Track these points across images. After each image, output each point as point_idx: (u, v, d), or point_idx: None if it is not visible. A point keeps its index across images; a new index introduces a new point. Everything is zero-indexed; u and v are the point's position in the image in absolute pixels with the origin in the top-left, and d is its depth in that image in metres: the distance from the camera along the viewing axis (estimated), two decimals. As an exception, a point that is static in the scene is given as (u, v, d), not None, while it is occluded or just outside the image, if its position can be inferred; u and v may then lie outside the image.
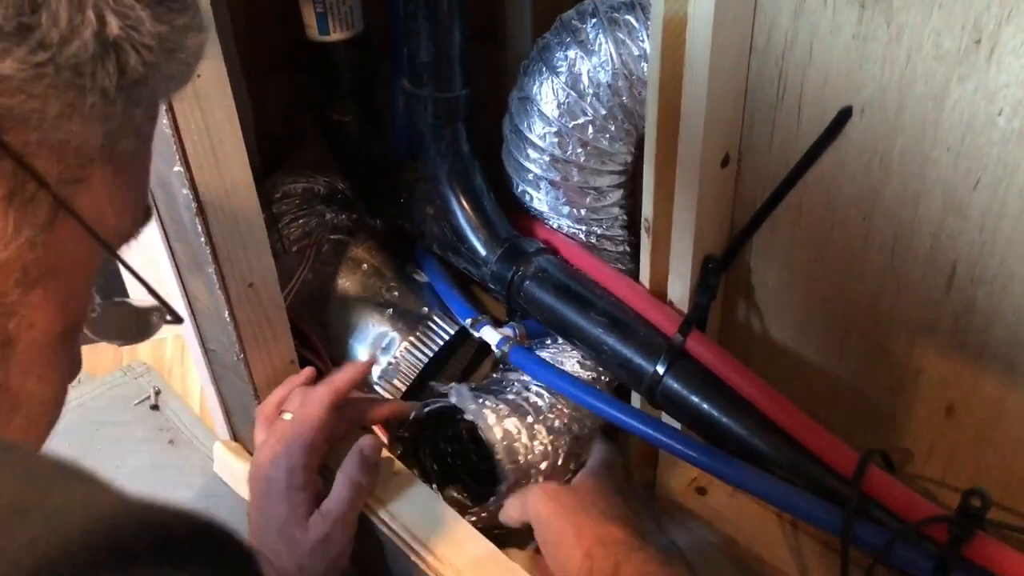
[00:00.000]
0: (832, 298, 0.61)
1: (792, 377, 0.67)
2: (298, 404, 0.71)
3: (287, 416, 0.71)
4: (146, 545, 0.26)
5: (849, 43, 0.52)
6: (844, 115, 0.54)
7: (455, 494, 0.79)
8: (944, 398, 0.58)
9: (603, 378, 0.79)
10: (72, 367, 0.38)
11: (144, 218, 0.41)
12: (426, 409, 0.77)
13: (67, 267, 0.36)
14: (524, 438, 0.73)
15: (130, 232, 0.40)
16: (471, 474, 0.79)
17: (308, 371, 0.77)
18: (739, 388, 0.62)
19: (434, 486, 0.76)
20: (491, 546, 0.66)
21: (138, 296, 0.49)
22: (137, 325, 0.50)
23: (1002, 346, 0.53)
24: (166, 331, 1.14)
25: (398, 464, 0.74)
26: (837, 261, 0.60)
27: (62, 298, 0.36)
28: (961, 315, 0.54)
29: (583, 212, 0.76)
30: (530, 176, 0.75)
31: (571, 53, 0.69)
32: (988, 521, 0.51)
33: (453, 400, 0.74)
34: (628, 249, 0.79)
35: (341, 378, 0.73)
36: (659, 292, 0.68)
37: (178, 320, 0.47)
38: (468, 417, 0.74)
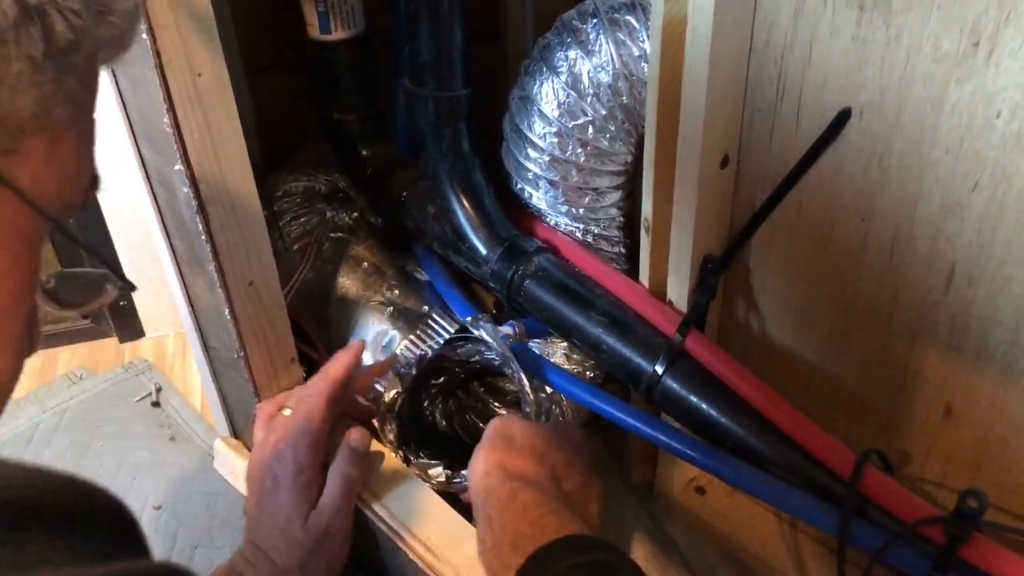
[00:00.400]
0: (831, 299, 0.62)
1: (790, 377, 0.67)
2: (296, 400, 0.72)
3: (287, 412, 0.71)
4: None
5: (848, 45, 0.52)
6: (843, 116, 0.54)
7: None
8: (942, 399, 0.58)
9: (588, 373, 0.80)
10: (26, 342, 0.38)
11: (92, 187, 0.41)
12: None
13: (9, 237, 0.36)
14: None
15: (76, 202, 0.39)
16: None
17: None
18: (737, 388, 0.62)
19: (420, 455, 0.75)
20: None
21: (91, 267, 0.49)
22: (91, 294, 0.49)
23: (1000, 348, 0.54)
24: (168, 328, 1.14)
25: (391, 456, 0.74)
26: (836, 262, 0.60)
27: (6, 268, 0.36)
28: (959, 316, 0.54)
29: (581, 211, 0.76)
30: (529, 175, 0.76)
31: (572, 53, 0.69)
32: (985, 522, 0.51)
33: (484, 336, 0.73)
34: (623, 251, 0.79)
35: (335, 367, 0.73)
36: (658, 292, 0.68)
37: (130, 287, 0.47)
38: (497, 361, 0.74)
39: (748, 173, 0.62)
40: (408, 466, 0.74)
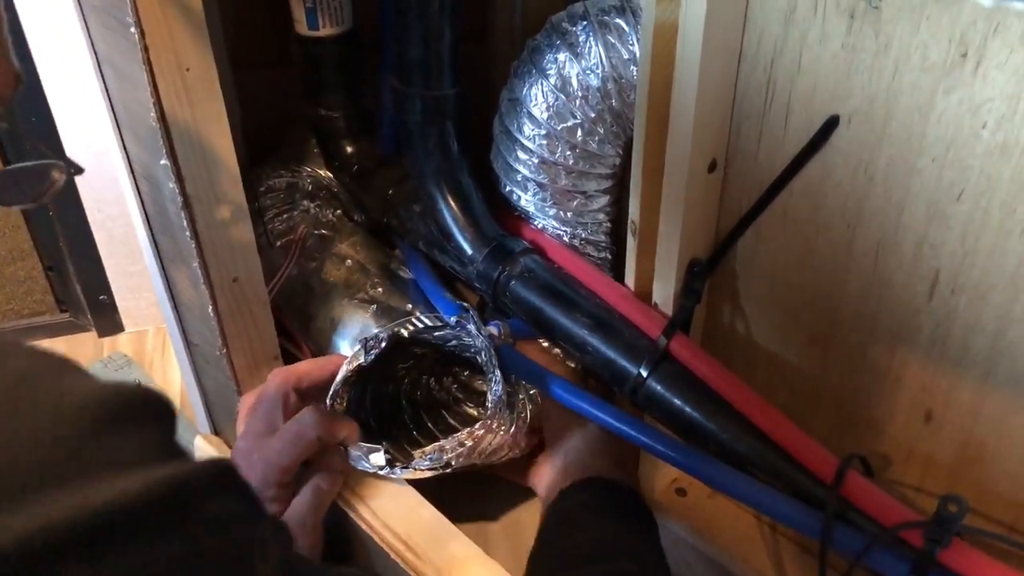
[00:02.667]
0: (815, 304, 0.62)
1: (774, 381, 0.67)
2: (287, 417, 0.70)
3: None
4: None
5: (838, 53, 0.52)
6: (831, 124, 0.55)
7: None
8: (923, 405, 0.59)
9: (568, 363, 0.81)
10: None
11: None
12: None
13: None
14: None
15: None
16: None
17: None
18: (721, 391, 0.62)
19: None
20: (474, 546, 0.66)
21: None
22: (39, 185, 0.49)
23: (981, 355, 0.54)
24: (148, 323, 1.14)
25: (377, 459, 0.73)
26: (821, 267, 0.60)
27: None
28: (942, 323, 0.55)
29: (569, 215, 0.76)
30: (518, 177, 0.76)
31: (561, 56, 0.69)
32: (964, 527, 0.52)
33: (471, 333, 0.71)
34: (609, 256, 0.79)
35: (337, 426, 0.70)
36: (644, 294, 0.69)
37: (77, 170, 0.48)
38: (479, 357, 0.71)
39: (735, 178, 0.63)
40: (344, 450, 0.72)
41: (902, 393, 0.60)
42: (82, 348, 1.12)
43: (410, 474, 0.71)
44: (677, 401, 0.64)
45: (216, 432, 0.89)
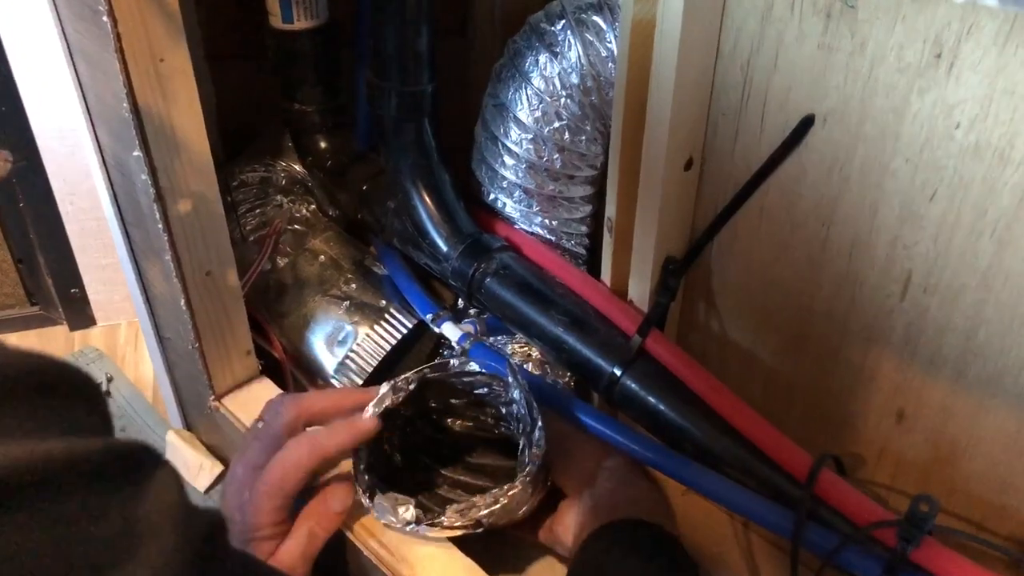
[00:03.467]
0: (789, 303, 0.62)
1: (748, 379, 0.68)
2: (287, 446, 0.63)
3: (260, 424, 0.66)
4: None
5: (814, 52, 0.52)
6: (807, 123, 0.55)
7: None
8: (895, 404, 0.59)
9: (533, 353, 0.80)
10: None
11: None
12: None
13: None
14: None
15: None
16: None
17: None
18: (696, 389, 0.63)
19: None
20: (472, 564, 0.63)
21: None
22: None
23: (952, 355, 0.55)
24: (120, 317, 1.12)
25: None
26: (795, 266, 0.60)
27: None
28: (914, 323, 0.55)
29: (554, 223, 0.76)
30: (504, 183, 0.75)
31: (541, 58, 0.69)
32: (935, 526, 0.52)
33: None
34: (585, 269, 0.79)
35: (331, 443, 0.63)
36: (620, 292, 0.69)
37: (19, 160, 0.48)
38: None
39: (711, 176, 0.63)
40: (369, 500, 0.63)
41: (875, 392, 0.60)
42: (53, 342, 1.10)
43: (437, 532, 0.62)
44: (652, 399, 0.64)
45: (188, 427, 0.88)
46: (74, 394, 0.32)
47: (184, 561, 0.31)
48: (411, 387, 0.65)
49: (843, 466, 0.61)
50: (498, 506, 0.60)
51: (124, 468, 0.32)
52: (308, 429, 0.65)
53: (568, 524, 0.63)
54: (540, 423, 0.61)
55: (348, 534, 0.66)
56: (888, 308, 0.56)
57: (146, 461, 0.33)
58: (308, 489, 0.64)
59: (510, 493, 0.60)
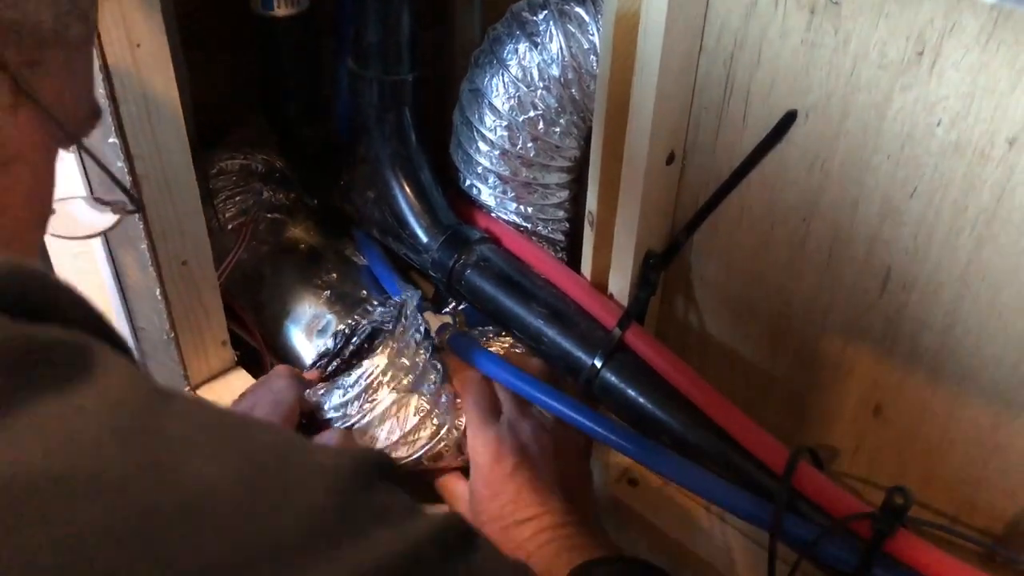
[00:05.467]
0: (769, 297, 0.63)
1: (727, 372, 0.68)
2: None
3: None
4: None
5: (797, 48, 0.53)
6: (789, 118, 0.55)
7: None
8: (872, 398, 0.60)
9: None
10: (40, 262, 0.40)
11: (95, 113, 0.43)
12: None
13: (31, 153, 0.37)
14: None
15: (86, 121, 0.42)
16: None
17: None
18: (675, 382, 0.63)
19: None
20: None
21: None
22: (92, 219, 0.52)
23: (930, 350, 0.55)
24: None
25: None
26: (775, 261, 0.61)
27: (34, 182, 0.38)
28: (893, 319, 0.56)
29: (530, 210, 0.76)
30: (479, 169, 0.75)
31: (521, 46, 0.69)
32: (910, 518, 0.52)
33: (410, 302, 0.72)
34: (565, 258, 0.79)
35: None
36: (600, 285, 0.69)
37: (139, 207, 0.49)
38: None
39: (693, 171, 0.63)
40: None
41: (852, 387, 0.61)
42: (23, 331, 1.09)
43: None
44: (631, 392, 0.64)
45: (162, 418, 0.87)
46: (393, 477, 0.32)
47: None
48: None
49: (820, 459, 0.61)
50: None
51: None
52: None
53: (459, 495, 0.70)
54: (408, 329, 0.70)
55: None
56: (867, 303, 0.57)
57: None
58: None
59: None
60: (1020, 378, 0.52)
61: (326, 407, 0.69)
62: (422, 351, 0.72)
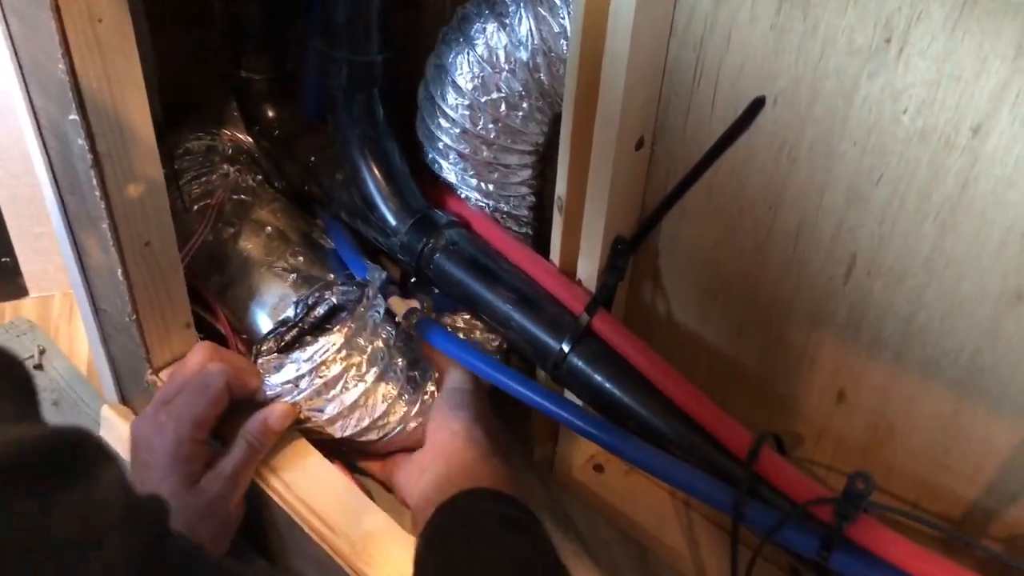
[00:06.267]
0: (735, 284, 0.63)
1: (693, 358, 0.68)
2: (194, 373, 0.69)
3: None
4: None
5: (767, 33, 0.53)
6: (757, 104, 0.55)
7: None
8: (836, 385, 0.60)
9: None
10: None
11: None
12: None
13: None
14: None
15: None
16: None
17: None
18: (641, 368, 0.63)
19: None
20: (389, 519, 0.66)
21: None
22: None
23: (893, 337, 0.56)
24: (54, 288, 1.09)
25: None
26: (742, 248, 0.61)
27: None
28: (857, 306, 0.56)
29: (491, 187, 0.75)
30: (440, 145, 0.74)
31: (489, 27, 0.68)
32: (872, 503, 0.53)
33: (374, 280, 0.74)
34: (531, 232, 0.79)
35: (247, 371, 0.71)
36: (568, 270, 0.69)
37: None
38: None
39: (662, 156, 0.63)
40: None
41: (817, 373, 0.61)
42: (-18, 313, 1.07)
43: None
44: (598, 377, 0.64)
45: (124, 401, 0.86)
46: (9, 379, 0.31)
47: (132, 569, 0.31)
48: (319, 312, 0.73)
49: (783, 445, 0.62)
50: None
51: (69, 459, 0.31)
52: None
53: (409, 474, 0.70)
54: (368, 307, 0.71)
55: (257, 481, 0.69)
56: (832, 290, 0.57)
57: (89, 449, 0.32)
58: (252, 405, 0.70)
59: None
60: (981, 365, 0.52)
61: (277, 380, 0.70)
62: (382, 333, 0.72)
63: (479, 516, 0.59)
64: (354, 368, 0.70)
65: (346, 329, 0.70)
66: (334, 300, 0.73)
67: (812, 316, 0.59)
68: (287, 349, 0.72)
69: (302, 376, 0.70)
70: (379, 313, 0.72)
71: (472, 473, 0.65)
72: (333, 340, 0.70)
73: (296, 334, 0.73)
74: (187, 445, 0.65)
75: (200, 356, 0.70)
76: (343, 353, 0.70)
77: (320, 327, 0.73)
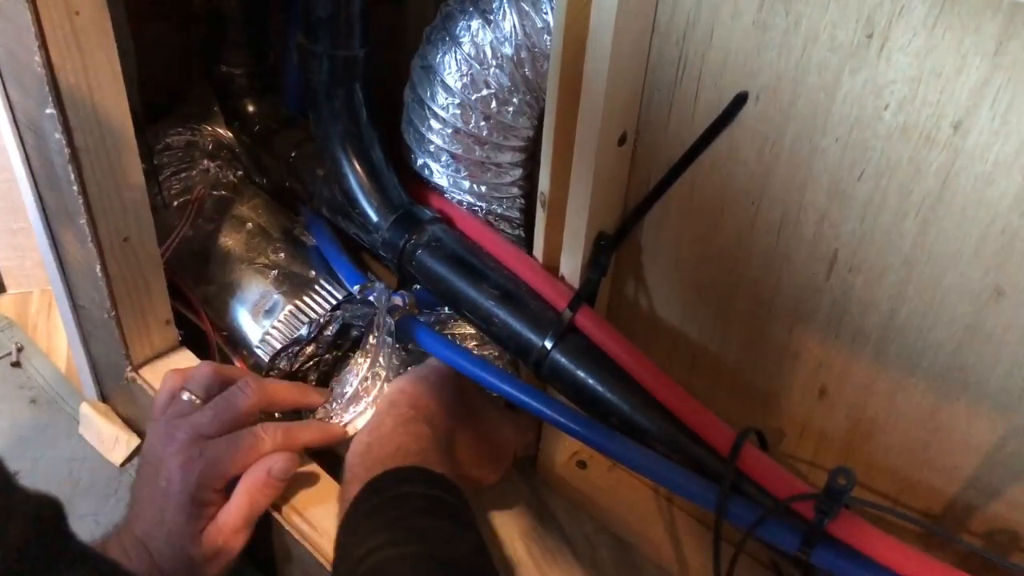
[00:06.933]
0: (718, 280, 0.63)
1: (675, 354, 0.68)
2: (245, 414, 0.67)
3: (185, 396, 0.67)
4: None
5: (749, 29, 0.52)
6: (740, 100, 0.55)
7: None
8: (818, 381, 0.60)
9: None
10: None
11: None
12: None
13: None
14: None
15: None
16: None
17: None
18: (624, 364, 0.63)
19: None
20: None
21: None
22: None
23: (874, 333, 0.56)
24: (32, 284, 1.08)
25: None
26: (725, 244, 0.61)
27: None
28: (839, 301, 0.56)
29: (483, 188, 0.75)
30: (431, 147, 0.74)
31: (474, 23, 0.68)
32: (852, 499, 0.53)
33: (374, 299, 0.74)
34: (523, 234, 0.78)
35: (304, 434, 0.69)
36: (552, 267, 0.68)
37: None
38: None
39: (644, 152, 0.63)
40: None
41: (799, 369, 0.61)
42: (-41, 309, 1.06)
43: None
44: (580, 373, 0.63)
45: (103, 399, 0.85)
46: None
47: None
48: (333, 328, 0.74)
49: (766, 441, 0.62)
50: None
51: None
52: (279, 422, 0.69)
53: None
54: (385, 337, 0.72)
55: (273, 513, 0.65)
56: (814, 286, 0.57)
57: None
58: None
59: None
60: (961, 360, 0.53)
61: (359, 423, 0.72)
62: (394, 356, 0.74)
63: (398, 500, 0.58)
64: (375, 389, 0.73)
65: (368, 359, 0.72)
66: (342, 321, 0.74)
67: (794, 312, 0.59)
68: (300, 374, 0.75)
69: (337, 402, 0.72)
70: (391, 336, 0.73)
71: (391, 443, 0.63)
72: (360, 372, 0.72)
73: (311, 352, 0.75)
74: (208, 492, 0.63)
75: (254, 401, 0.67)
76: (368, 382, 0.72)
77: (334, 345, 0.75)
